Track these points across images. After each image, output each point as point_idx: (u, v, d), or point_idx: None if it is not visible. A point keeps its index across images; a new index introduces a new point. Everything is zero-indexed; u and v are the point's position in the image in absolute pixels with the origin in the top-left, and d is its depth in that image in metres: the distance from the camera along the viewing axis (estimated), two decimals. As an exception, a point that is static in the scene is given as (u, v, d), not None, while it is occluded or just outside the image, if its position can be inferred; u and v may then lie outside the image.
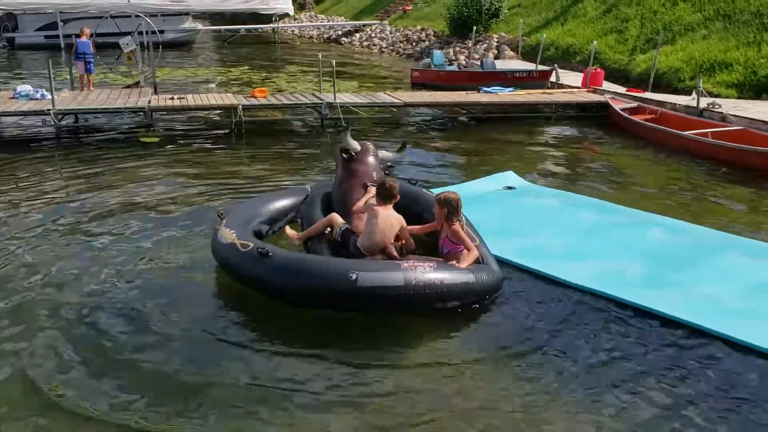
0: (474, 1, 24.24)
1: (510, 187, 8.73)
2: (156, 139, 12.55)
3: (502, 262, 6.19)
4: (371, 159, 7.00)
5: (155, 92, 14.98)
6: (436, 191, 7.62)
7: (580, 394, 4.51)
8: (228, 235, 5.98)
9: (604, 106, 14.09)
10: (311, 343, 5.21)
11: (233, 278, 5.97)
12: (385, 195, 6.13)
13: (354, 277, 5.25)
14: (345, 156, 7.00)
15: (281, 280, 5.47)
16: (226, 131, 13.13)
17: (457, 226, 5.86)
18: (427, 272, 5.40)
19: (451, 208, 5.88)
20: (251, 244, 5.73)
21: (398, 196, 6.19)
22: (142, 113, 13.18)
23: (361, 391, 4.60)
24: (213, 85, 19.60)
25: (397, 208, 6.25)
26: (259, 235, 6.53)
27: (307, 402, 4.45)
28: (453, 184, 8.98)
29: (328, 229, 6.33)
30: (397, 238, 6.12)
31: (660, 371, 4.76)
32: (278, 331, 5.39)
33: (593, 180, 9.81)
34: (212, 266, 6.41)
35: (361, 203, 6.47)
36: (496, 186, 8.79)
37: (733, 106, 12.49)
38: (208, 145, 12.17)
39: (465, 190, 8.35)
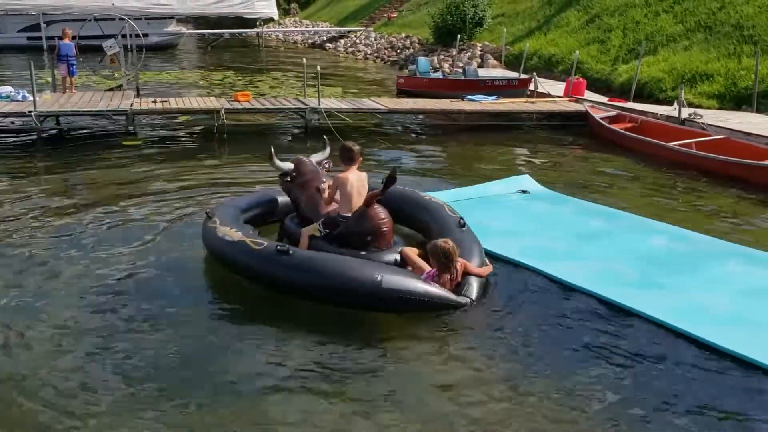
0: (458, 10, 24.37)
1: (524, 191, 8.94)
2: (138, 142, 12.48)
3: (505, 261, 6.57)
4: (309, 167, 7.05)
5: (138, 95, 14.91)
6: (434, 193, 7.78)
7: (563, 389, 4.55)
8: (232, 233, 6.13)
9: (585, 115, 14.19)
10: (301, 337, 5.30)
11: (245, 277, 6.08)
12: (348, 157, 6.45)
13: (378, 278, 5.50)
14: (287, 179, 7.05)
15: (304, 279, 5.69)
16: (209, 135, 13.07)
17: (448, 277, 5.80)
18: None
19: (439, 260, 5.78)
20: (265, 243, 5.94)
21: (361, 157, 6.53)
22: (124, 116, 13.10)
23: (354, 387, 4.64)
24: (197, 87, 19.53)
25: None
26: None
27: (296, 396, 4.46)
28: (448, 188, 9.11)
29: (313, 233, 6.45)
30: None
31: (639, 373, 4.81)
32: (276, 326, 5.51)
33: (576, 188, 9.84)
34: (195, 267, 6.52)
35: (328, 197, 6.60)
36: (510, 189, 9.01)
37: (714, 117, 12.63)
38: (191, 149, 12.12)
39: (480, 192, 8.77)
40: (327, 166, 7.40)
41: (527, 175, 9.58)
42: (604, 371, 4.84)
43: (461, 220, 6.60)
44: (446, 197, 7.79)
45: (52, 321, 5.52)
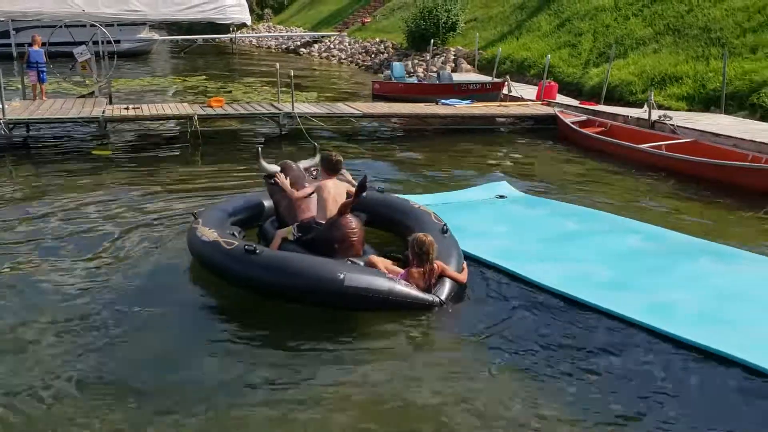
0: (431, 15, 24.48)
1: (501, 196, 9.03)
2: (108, 152, 12.34)
3: (479, 262, 6.64)
4: (296, 172, 7.09)
5: (110, 102, 14.78)
6: (414, 197, 7.88)
7: (535, 388, 4.60)
8: (208, 233, 6.23)
9: (555, 119, 14.33)
10: (285, 338, 5.35)
11: (218, 276, 6.15)
12: (330, 167, 6.57)
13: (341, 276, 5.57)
14: (271, 181, 7.08)
15: (270, 277, 5.76)
16: (182, 141, 12.99)
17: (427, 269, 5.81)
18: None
19: (413, 251, 5.80)
20: (236, 243, 6.01)
21: (343, 167, 6.65)
22: (96, 123, 12.99)
23: (330, 389, 4.66)
24: (170, 93, 19.43)
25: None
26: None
27: (280, 398, 4.48)
28: (424, 192, 9.21)
29: (286, 236, 6.52)
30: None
31: (612, 371, 4.89)
32: (258, 328, 5.57)
33: (550, 191, 9.93)
34: (167, 272, 6.56)
35: (300, 193, 6.68)
36: (488, 194, 9.10)
37: (683, 119, 12.80)
38: (164, 156, 12.03)
39: (459, 198, 8.85)
40: (314, 173, 7.42)
41: (505, 182, 9.65)
42: (578, 371, 4.89)
43: (445, 227, 6.63)
44: (424, 202, 7.85)
45: (22, 328, 5.47)
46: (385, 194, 7.63)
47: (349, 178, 7.17)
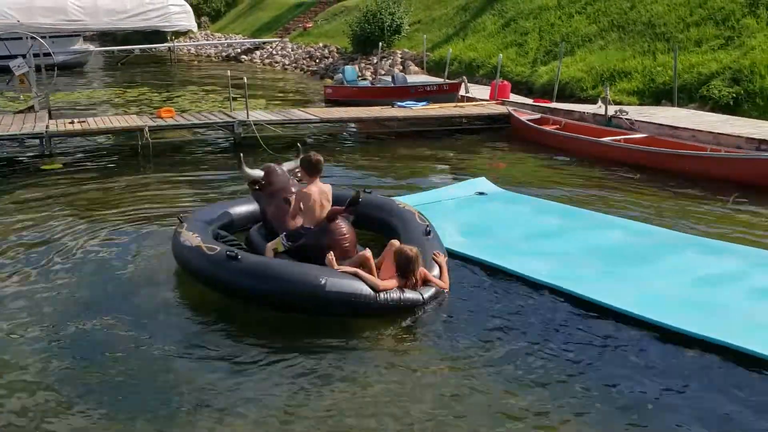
0: (376, 18, 24.36)
1: (481, 193, 8.97)
2: (59, 166, 11.77)
3: (466, 259, 6.59)
4: (280, 176, 6.88)
5: (50, 117, 14.12)
6: (401, 198, 7.85)
7: (528, 383, 4.62)
8: (191, 238, 6.07)
9: (509, 118, 14.36)
10: (272, 346, 5.22)
11: (200, 281, 6.04)
12: (311, 168, 6.30)
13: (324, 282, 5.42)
14: (256, 187, 6.89)
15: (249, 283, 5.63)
16: (133, 154, 12.48)
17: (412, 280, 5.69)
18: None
19: (400, 265, 5.64)
20: (218, 248, 5.84)
21: (322, 167, 6.43)
22: (39, 140, 12.37)
23: (324, 394, 4.57)
24: (113, 106, 18.78)
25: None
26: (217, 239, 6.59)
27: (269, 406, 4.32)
28: (406, 193, 9.12)
29: (276, 249, 6.31)
30: None
31: (601, 360, 4.92)
32: (242, 338, 5.39)
33: (521, 188, 9.86)
34: (132, 285, 6.38)
35: (292, 211, 6.46)
36: (468, 191, 9.07)
37: (637, 113, 12.96)
38: (114, 170, 11.50)
39: (438, 196, 8.85)
40: (299, 175, 7.21)
41: (483, 178, 9.62)
42: (567, 363, 4.89)
43: (428, 228, 6.51)
44: (405, 202, 7.70)
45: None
46: (373, 194, 7.55)
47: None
